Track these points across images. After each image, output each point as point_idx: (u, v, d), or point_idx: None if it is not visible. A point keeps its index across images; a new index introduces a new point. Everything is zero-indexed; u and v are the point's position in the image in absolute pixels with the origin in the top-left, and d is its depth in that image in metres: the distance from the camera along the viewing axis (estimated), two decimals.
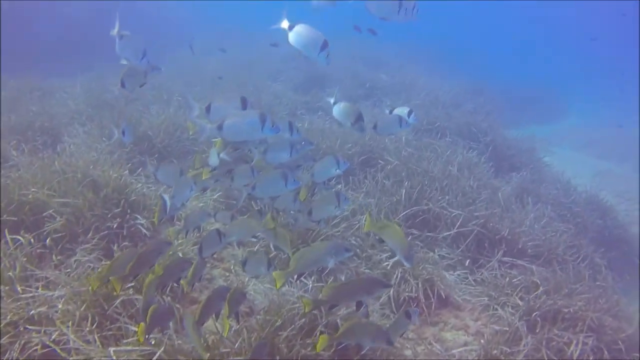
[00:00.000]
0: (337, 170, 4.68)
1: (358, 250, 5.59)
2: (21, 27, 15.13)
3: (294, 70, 14.54)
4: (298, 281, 4.75)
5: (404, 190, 6.52)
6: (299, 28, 3.91)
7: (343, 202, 4.50)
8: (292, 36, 3.90)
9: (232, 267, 5.42)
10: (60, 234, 5.08)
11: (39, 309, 4.09)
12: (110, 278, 3.82)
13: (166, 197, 4.40)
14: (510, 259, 5.98)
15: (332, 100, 4.74)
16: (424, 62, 18.79)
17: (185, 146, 8.13)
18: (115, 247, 5.04)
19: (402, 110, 5.12)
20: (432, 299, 4.96)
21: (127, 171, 6.35)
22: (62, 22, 16.37)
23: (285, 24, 3.91)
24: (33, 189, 5.39)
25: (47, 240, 5.01)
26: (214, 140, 4.68)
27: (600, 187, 13.07)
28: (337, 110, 4.63)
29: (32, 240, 4.95)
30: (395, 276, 5.13)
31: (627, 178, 14.24)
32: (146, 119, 8.27)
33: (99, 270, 4.44)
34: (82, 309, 4.12)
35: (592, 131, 19.22)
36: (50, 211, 5.19)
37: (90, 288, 3.99)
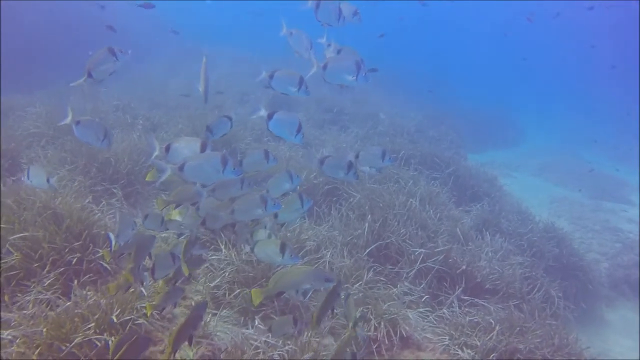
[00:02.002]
0: (290, 185, 4.71)
1: None
2: None
3: (261, 92, 14.57)
4: (260, 326, 4.73)
5: (366, 225, 6.61)
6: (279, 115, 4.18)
7: (306, 203, 4.49)
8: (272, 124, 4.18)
9: (193, 304, 5.37)
10: (15, 271, 4.93)
11: None
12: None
13: (112, 235, 4.42)
14: (470, 297, 6.12)
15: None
16: (390, 88, 19.11)
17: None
18: (75, 283, 4.92)
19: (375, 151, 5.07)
20: (395, 339, 5.03)
21: (88, 200, 6.23)
22: (19, 35, 15.93)
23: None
24: None
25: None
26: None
27: (558, 213, 13.66)
28: (327, 164, 4.68)
29: None
30: (355, 314, 5.17)
31: (581, 205, 14.79)
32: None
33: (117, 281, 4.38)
34: (36, 353, 4.01)
35: (548, 157, 19.90)
36: (7, 245, 5.04)
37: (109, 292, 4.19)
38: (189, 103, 12.59)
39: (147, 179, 4.87)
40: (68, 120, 4.22)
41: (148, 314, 4.33)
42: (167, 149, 4.25)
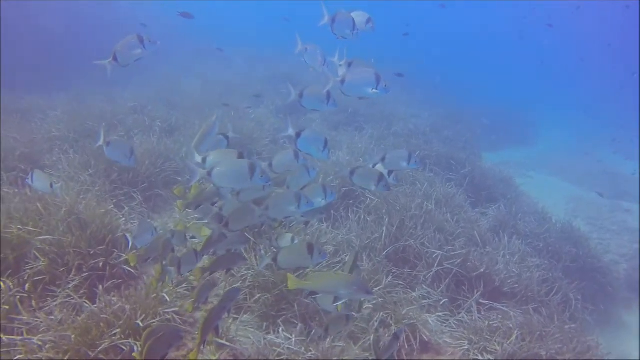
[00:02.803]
0: (310, 179, 4.76)
1: None
2: None
3: (274, 92, 14.64)
4: (283, 333, 4.79)
5: (384, 228, 6.64)
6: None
7: (330, 195, 4.57)
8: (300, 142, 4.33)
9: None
10: (42, 276, 5.04)
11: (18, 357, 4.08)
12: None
13: (129, 236, 4.65)
14: (489, 302, 6.13)
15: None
16: (404, 87, 19.01)
17: (168, 176, 8.15)
18: (100, 289, 5.01)
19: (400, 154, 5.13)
20: (414, 344, 5.06)
21: (111, 206, 6.35)
22: (36, 35, 16.10)
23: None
24: (18, 226, 5.34)
25: (27, 286, 4.94)
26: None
27: (575, 214, 13.56)
28: (358, 175, 4.74)
29: (11, 285, 4.88)
30: (375, 319, 5.23)
31: (598, 205, 14.64)
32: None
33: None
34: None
35: (564, 156, 19.74)
36: (33, 250, 5.15)
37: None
38: (204, 104, 12.70)
39: (175, 192, 4.99)
40: (102, 140, 4.76)
41: (189, 310, 4.60)
42: (204, 160, 4.35)
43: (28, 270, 5.03)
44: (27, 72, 13.94)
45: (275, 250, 4.82)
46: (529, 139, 22.70)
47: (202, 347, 3.84)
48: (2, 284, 4.84)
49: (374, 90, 4.17)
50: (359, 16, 4.95)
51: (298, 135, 4.28)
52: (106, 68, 4.57)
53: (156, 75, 17.11)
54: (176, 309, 4.90)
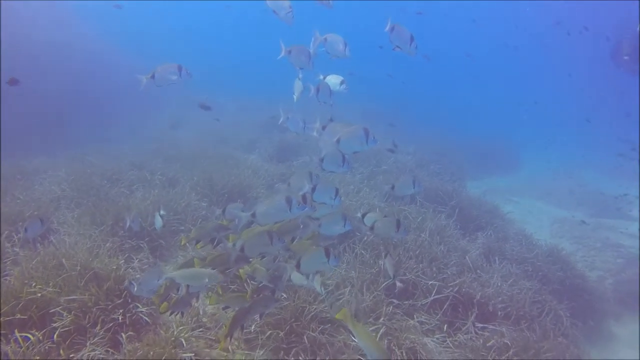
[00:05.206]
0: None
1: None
2: None
3: (267, 140, 15.26)
4: None
5: (382, 262, 7.09)
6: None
7: (347, 224, 5.04)
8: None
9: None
10: (67, 329, 5.40)
11: None
12: None
13: (134, 283, 4.97)
14: (483, 324, 6.57)
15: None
16: (384, 122, 19.81)
17: (172, 226, 8.58)
18: (124, 337, 5.38)
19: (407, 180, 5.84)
20: None
21: (123, 260, 6.76)
22: (36, 98, 16.59)
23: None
24: (39, 286, 5.72)
25: (55, 336, 5.30)
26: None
27: (559, 234, 14.10)
28: (377, 227, 5.36)
29: (40, 337, 5.23)
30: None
31: (582, 224, 15.21)
32: (133, 203, 8.72)
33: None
34: None
35: (547, 180, 20.46)
36: (58, 308, 5.52)
37: None
38: (200, 155, 13.25)
39: (197, 247, 5.51)
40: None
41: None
42: (254, 215, 4.78)
43: (54, 324, 5.39)
44: (28, 134, 14.41)
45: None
46: (513, 164, 23.46)
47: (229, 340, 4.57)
48: (31, 336, 5.20)
49: (364, 145, 4.81)
50: (333, 78, 5.98)
51: (313, 189, 4.94)
52: (142, 82, 5.23)
53: (148, 125, 17.68)
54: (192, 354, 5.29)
